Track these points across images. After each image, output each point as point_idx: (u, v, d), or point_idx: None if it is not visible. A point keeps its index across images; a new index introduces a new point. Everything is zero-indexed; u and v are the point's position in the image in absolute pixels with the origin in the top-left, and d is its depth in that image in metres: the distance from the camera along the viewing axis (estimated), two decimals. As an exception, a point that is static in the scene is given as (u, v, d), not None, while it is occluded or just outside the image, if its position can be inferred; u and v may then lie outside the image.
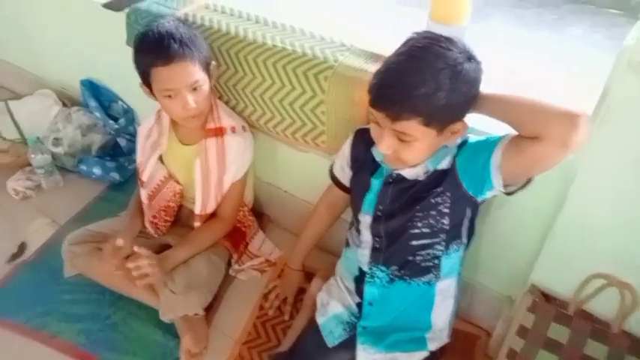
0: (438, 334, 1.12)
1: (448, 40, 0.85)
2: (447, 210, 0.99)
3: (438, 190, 0.98)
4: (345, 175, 1.19)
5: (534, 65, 1.30)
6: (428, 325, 1.11)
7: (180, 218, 1.46)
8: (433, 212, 0.99)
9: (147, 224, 1.39)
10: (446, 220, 1.00)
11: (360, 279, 1.14)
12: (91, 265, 1.35)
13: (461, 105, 0.86)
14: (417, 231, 1.02)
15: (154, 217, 1.39)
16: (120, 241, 1.23)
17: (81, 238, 1.37)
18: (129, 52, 1.51)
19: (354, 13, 1.54)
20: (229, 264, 1.49)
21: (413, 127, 0.86)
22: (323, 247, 1.48)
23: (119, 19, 1.50)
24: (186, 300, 1.24)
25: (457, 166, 0.96)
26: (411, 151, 0.91)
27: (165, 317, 1.27)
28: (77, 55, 1.82)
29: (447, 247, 1.04)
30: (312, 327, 1.19)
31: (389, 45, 0.92)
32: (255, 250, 1.56)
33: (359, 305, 1.16)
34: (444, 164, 0.98)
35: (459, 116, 0.89)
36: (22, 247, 1.60)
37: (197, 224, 1.37)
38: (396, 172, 1.02)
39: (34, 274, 1.51)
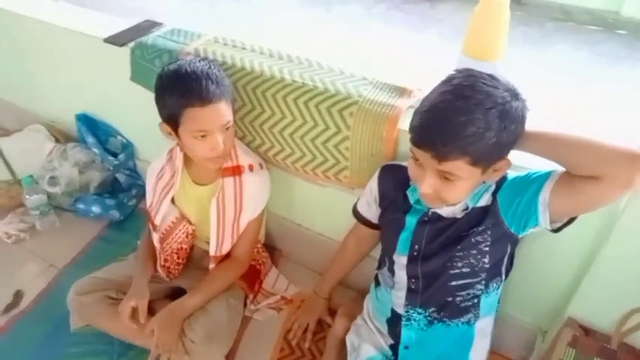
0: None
1: (492, 77, 0.84)
2: (487, 248, 0.97)
3: (479, 228, 0.95)
4: (371, 212, 1.16)
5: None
6: (467, 364, 1.08)
7: (192, 259, 1.39)
8: (474, 251, 0.97)
9: (158, 269, 1.32)
10: (486, 259, 0.98)
11: (393, 321, 1.10)
12: (100, 316, 1.27)
13: (508, 144, 0.85)
14: (456, 271, 0.99)
15: (166, 260, 1.32)
16: (133, 303, 1.20)
17: (88, 287, 1.29)
18: (130, 86, 1.48)
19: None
20: (245, 304, 1.42)
21: (459, 167, 0.84)
22: (343, 282, 1.43)
23: (120, 53, 1.45)
24: (207, 350, 1.18)
25: (498, 204, 0.94)
26: (454, 190, 0.89)
27: (186, 369, 1.19)
28: (73, 88, 1.75)
29: (486, 286, 1.02)
30: (344, 372, 1.14)
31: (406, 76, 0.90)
32: (270, 287, 1.51)
33: (392, 347, 1.12)
34: (482, 201, 0.96)
35: (504, 154, 0.87)
36: (17, 296, 1.49)
37: (212, 266, 1.31)
38: (433, 210, 0.99)
39: (33, 326, 1.41)
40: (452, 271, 1.00)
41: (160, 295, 1.35)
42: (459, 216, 0.97)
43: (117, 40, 1.48)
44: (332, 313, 1.39)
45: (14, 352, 1.35)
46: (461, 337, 1.05)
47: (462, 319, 1.04)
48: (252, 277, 1.43)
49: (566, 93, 2.43)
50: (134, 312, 1.21)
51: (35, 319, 1.43)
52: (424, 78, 1.04)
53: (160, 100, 1.12)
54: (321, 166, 1.25)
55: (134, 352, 1.33)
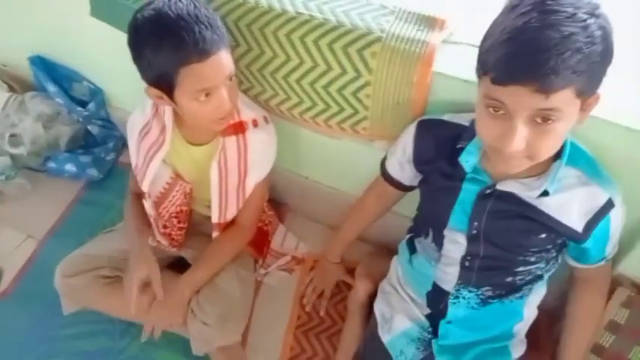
0: (522, 341, 1.00)
1: None
2: (560, 242, 0.87)
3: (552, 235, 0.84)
4: (404, 174, 0.99)
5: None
6: (511, 334, 0.99)
7: (190, 225, 1.23)
8: (549, 246, 0.87)
9: (158, 237, 1.16)
10: (556, 250, 0.89)
11: (436, 296, 0.98)
12: (96, 298, 1.13)
13: (606, 66, 0.67)
14: (526, 258, 0.88)
15: (165, 226, 1.16)
16: (144, 274, 1.06)
17: (77, 267, 1.13)
18: (93, 22, 1.22)
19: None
20: (254, 269, 1.30)
21: (567, 99, 0.65)
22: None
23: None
24: (222, 331, 1.06)
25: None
26: (553, 137, 0.69)
27: (200, 352, 1.08)
28: (22, 26, 1.45)
29: (551, 265, 0.93)
30: (375, 345, 1.04)
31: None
32: (278, 246, 1.38)
33: (429, 316, 1.02)
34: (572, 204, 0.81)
35: (600, 84, 0.69)
36: (-4, 275, 1.34)
37: (215, 234, 1.15)
38: (501, 187, 0.82)
39: (19, 307, 1.27)
40: (520, 257, 0.87)
41: (160, 266, 1.20)
42: (530, 199, 0.81)
43: (66, -36, 1.19)
44: (348, 270, 1.28)
45: (9, 337, 1.23)
46: (511, 311, 0.96)
47: (517, 295, 0.93)
48: (259, 240, 1.29)
49: None
50: (145, 286, 1.07)
51: (20, 299, 1.29)
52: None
53: (140, 59, 0.88)
54: (335, 116, 1.06)
55: (137, 328, 1.21)
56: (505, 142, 0.69)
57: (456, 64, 0.91)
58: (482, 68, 0.69)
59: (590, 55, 0.63)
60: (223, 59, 0.87)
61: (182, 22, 0.82)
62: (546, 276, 0.94)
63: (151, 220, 1.14)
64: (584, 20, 0.63)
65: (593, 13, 0.64)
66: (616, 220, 0.83)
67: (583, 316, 0.98)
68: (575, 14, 0.63)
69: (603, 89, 0.70)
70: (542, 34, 0.63)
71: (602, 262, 0.90)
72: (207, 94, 0.88)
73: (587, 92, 0.67)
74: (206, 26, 0.83)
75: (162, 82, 0.88)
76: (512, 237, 0.86)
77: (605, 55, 0.65)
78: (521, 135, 0.68)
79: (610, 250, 0.89)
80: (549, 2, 0.63)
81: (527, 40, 0.63)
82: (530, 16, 0.64)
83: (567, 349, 0.99)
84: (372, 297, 1.14)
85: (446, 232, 0.91)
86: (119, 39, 0.93)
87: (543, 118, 0.67)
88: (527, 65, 0.64)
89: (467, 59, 0.77)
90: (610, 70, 0.68)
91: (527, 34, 0.64)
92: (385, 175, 1.03)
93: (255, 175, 1.09)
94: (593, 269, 0.91)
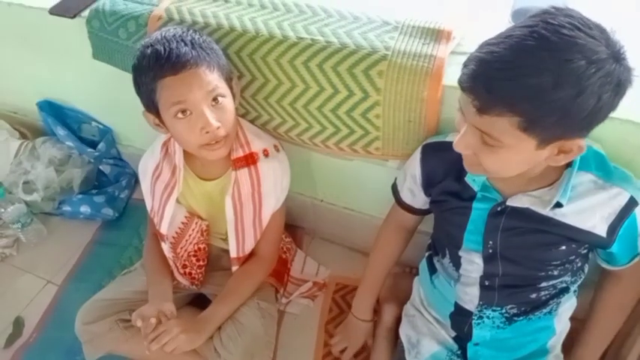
0: (558, 356, 0.95)
1: (598, 27, 0.61)
2: (585, 251, 0.83)
3: (573, 245, 0.80)
4: (416, 200, 0.97)
5: None
6: (545, 350, 0.94)
7: (208, 260, 1.20)
8: (572, 257, 0.82)
9: (178, 278, 1.14)
10: (581, 259, 0.85)
11: (459, 317, 0.94)
12: (117, 343, 1.10)
13: (585, 118, 0.62)
14: (548, 274, 0.84)
15: (185, 266, 1.14)
16: (155, 308, 1.01)
17: (96, 314, 1.11)
18: (95, 64, 1.22)
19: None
20: (275, 299, 1.26)
21: (503, 128, 0.63)
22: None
23: (74, 26, 1.18)
24: (248, 368, 1.03)
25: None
26: (494, 159, 0.69)
27: (227, 391, 1.05)
28: (30, 73, 1.46)
29: (577, 276, 0.88)
30: (405, 372, 1.00)
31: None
32: (299, 274, 1.34)
33: (456, 338, 0.97)
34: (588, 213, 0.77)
35: (576, 132, 0.65)
36: (18, 324, 1.32)
37: (235, 268, 1.13)
38: (512, 203, 0.79)
39: (43, 356, 1.25)
40: (542, 273, 0.83)
41: (180, 304, 1.18)
42: (544, 212, 0.77)
43: (65, 9, 1.20)
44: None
45: (28, 388, 1.21)
46: (541, 327, 0.90)
47: (545, 310, 0.88)
48: (279, 269, 1.25)
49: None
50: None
51: (44, 347, 1.27)
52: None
53: (136, 85, 0.92)
54: (346, 139, 1.03)
55: (162, 370, 1.19)
56: (456, 140, 0.72)
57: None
58: None
59: (546, 96, 0.59)
60: (202, 76, 0.88)
61: (164, 40, 0.87)
62: (573, 287, 0.89)
63: (170, 262, 1.12)
64: (568, 60, 0.58)
65: (594, 60, 0.58)
66: None
67: (610, 309, 0.92)
68: (559, 49, 0.58)
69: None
70: (505, 54, 0.60)
71: (636, 259, 0.84)
72: (183, 112, 0.88)
73: (540, 133, 0.63)
74: (185, 43, 0.87)
75: (150, 102, 0.91)
76: (530, 253, 0.82)
77: (577, 107, 0.59)
78: (464, 139, 0.70)
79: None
80: (550, 27, 0.60)
81: (491, 52, 0.62)
82: (518, 33, 0.61)
83: (586, 345, 0.94)
84: (398, 320, 1.10)
85: (461, 253, 0.88)
86: (123, 78, 0.95)
87: (483, 141, 0.67)
88: (477, 74, 0.62)
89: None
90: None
91: (496, 47, 0.62)
92: (400, 203, 1.00)
93: (271, 205, 1.07)
94: (627, 267, 0.86)
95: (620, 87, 0.62)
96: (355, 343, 1.15)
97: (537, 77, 0.59)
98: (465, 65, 0.66)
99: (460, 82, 0.66)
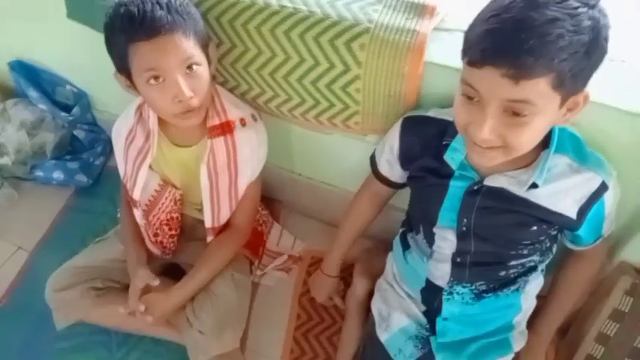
0: (522, 332, 0.98)
1: None
2: (554, 232, 0.85)
3: (544, 226, 0.82)
4: (394, 172, 0.96)
5: None
6: (511, 326, 0.97)
7: (182, 230, 1.20)
8: (542, 238, 0.84)
9: (149, 246, 1.13)
10: (551, 239, 0.87)
11: (430, 292, 0.96)
12: (89, 310, 1.10)
13: (596, 62, 0.63)
14: (518, 252, 0.86)
15: (156, 234, 1.13)
16: (157, 281, 1.04)
17: (67, 280, 1.09)
18: (71, 25, 1.17)
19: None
20: (250, 271, 1.27)
21: (541, 90, 0.62)
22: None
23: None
24: (219, 339, 1.03)
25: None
26: (524, 132, 0.66)
27: (198, 361, 1.06)
28: (1, 32, 1.40)
29: (545, 256, 0.90)
30: (373, 344, 1.02)
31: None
32: (274, 246, 1.35)
33: (426, 313, 0.99)
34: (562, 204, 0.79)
35: (588, 80, 0.65)
36: (-13, 289, 1.30)
37: (210, 238, 1.12)
38: (489, 183, 0.80)
39: (12, 321, 1.24)
40: (512, 252, 0.85)
41: (155, 273, 1.17)
42: (519, 192, 0.78)
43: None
44: (346, 267, 1.24)
45: (1, 353, 1.20)
46: (508, 304, 0.93)
47: (512, 287, 0.90)
48: (254, 241, 1.26)
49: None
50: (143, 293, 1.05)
51: (13, 313, 1.26)
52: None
53: (108, 44, 0.89)
54: (325, 112, 1.02)
55: (135, 338, 1.20)
56: (475, 130, 0.67)
57: (449, 52, 0.88)
58: (462, 50, 0.66)
59: (573, 43, 0.59)
60: (177, 43, 0.84)
61: (138, 1, 0.82)
62: (541, 267, 0.91)
63: (142, 229, 1.11)
64: (575, 8, 0.60)
65: (588, 3, 0.61)
66: (610, 200, 0.80)
67: (569, 283, 0.96)
68: (566, 0, 0.60)
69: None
70: (526, 15, 0.59)
71: (599, 241, 0.88)
72: (156, 78, 0.86)
73: (567, 87, 0.63)
74: (161, 6, 0.83)
75: (122, 65, 0.88)
76: (502, 232, 0.83)
77: (593, 49, 0.61)
78: (491, 123, 0.65)
79: (607, 228, 0.86)
80: None
81: (509, 18, 0.60)
82: None
83: (545, 317, 0.98)
84: (370, 295, 1.12)
85: (435, 230, 0.89)
86: (100, 40, 0.90)
87: (514, 112, 0.64)
88: (501, 44, 0.60)
89: (460, 46, 0.74)
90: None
91: (510, 12, 0.61)
92: (377, 174, 1.00)
93: (247, 176, 1.06)
94: (590, 247, 0.89)
95: (608, 32, 0.63)
96: (323, 296, 1.22)
97: (561, 27, 0.59)
98: (477, 42, 0.63)
99: (483, 57, 0.62)
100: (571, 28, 0.59)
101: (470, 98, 0.67)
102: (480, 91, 0.65)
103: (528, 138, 0.68)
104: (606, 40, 0.63)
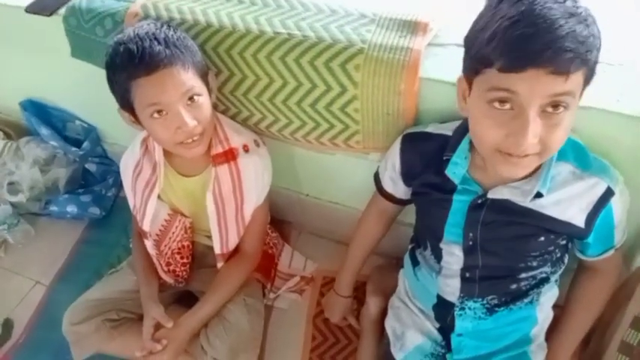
0: (541, 345, 0.96)
1: None
2: (563, 242, 0.84)
3: (551, 236, 0.81)
4: (398, 189, 0.96)
5: None
6: (528, 339, 0.94)
7: (194, 258, 1.20)
8: (550, 248, 0.82)
9: (162, 275, 1.14)
10: (561, 249, 0.85)
11: (442, 309, 0.94)
12: (105, 343, 1.11)
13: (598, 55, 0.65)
14: (528, 265, 0.84)
15: (169, 264, 1.13)
16: (170, 323, 1.03)
17: (83, 314, 1.11)
18: (76, 63, 1.21)
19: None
20: (263, 294, 1.27)
21: (579, 82, 0.63)
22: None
23: (52, 24, 1.16)
24: (234, 365, 1.03)
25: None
26: (561, 128, 0.64)
27: (213, 389, 1.06)
28: (11, 72, 1.45)
29: (557, 267, 0.88)
30: (390, 363, 1.00)
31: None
32: (286, 268, 1.35)
33: (440, 329, 0.98)
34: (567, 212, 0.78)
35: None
36: (7, 326, 1.32)
37: (220, 264, 1.13)
38: (493, 196, 0.79)
39: (32, 357, 1.26)
40: (521, 264, 0.84)
41: (168, 302, 1.18)
42: (524, 203, 0.77)
43: (41, 7, 1.18)
44: (358, 285, 1.23)
45: (18, 389, 1.22)
46: (523, 317, 0.91)
47: (526, 300, 0.89)
48: (266, 264, 1.26)
49: None
50: (156, 328, 1.05)
51: (33, 349, 1.28)
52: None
53: (110, 82, 0.91)
54: (326, 133, 1.03)
55: (151, 368, 1.19)
56: (518, 140, 0.64)
57: (445, 67, 0.88)
58: (483, 62, 0.64)
59: (593, 39, 0.61)
60: (177, 76, 0.86)
61: (137, 39, 0.84)
62: (554, 277, 0.89)
63: (154, 259, 1.12)
64: (580, 6, 0.62)
65: (586, 7, 0.62)
66: (619, 207, 0.78)
67: (586, 301, 0.92)
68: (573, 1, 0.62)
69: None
70: (550, 13, 0.59)
71: (611, 252, 0.85)
72: (159, 112, 0.87)
73: (590, 78, 0.64)
74: (159, 42, 0.85)
75: (125, 101, 0.90)
76: (509, 244, 0.82)
77: (600, 39, 0.63)
78: (535, 128, 0.63)
79: (619, 238, 0.84)
80: None
81: (536, 21, 0.59)
82: (527, 1, 0.61)
83: (562, 336, 0.94)
84: (384, 313, 1.11)
85: (442, 245, 0.88)
86: (104, 76, 0.92)
87: (554, 106, 0.62)
88: (542, 45, 0.59)
89: (455, 61, 0.74)
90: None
91: (533, 16, 0.60)
92: (381, 191, 1.00)
93: (253, 201, 1.07)
94: (602, 259, 0.86)
95: None
96: (337, 316, 1.21)
97: (584, 22, 0.60)
98: (509, 48, 0.61)
99: (523, 62, 0.60)
100: (589, 21, 0.61)
101: (502, 102, 0.64)
102: (522, 93, 0.62)
103: (563, 136, 0.67)
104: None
